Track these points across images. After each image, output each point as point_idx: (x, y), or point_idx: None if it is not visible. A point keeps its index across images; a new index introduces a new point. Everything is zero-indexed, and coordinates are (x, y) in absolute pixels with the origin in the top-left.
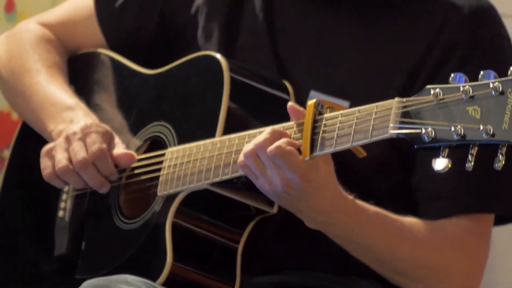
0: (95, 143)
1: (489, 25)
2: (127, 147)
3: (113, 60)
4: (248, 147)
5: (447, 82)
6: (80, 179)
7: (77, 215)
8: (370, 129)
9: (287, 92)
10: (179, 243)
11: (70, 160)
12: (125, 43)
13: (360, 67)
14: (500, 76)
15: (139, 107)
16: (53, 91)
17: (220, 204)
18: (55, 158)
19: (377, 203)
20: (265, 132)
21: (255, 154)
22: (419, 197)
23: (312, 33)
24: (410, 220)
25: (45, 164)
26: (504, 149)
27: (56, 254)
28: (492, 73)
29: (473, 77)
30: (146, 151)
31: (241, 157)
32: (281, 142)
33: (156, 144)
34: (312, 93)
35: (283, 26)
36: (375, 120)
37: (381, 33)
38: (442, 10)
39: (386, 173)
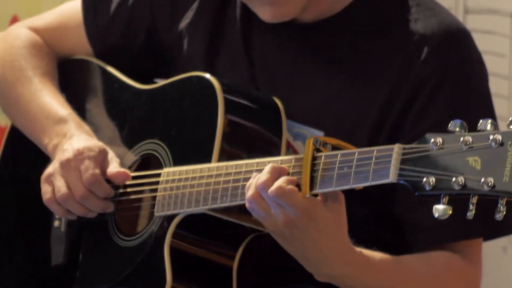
0: (88, 169)
1: (459, 51)
2: (121, 161)
3: (104, 71)
4: (250, 191)
5: (421, 115)
6: (83, 206)
7: (73, 226)
8: (370, 173)
9: (277, 109)
10: (177, 263)
11: (69, 187)
12: (113, 56)
13: (334, 97)
14: (484, 113)
15: (132, 121)
16: (46, 102)
17: (215, 225)
18: (55, 185)
19: (363, 229)
20: (265, 171)
21: (258, 196)
22: (404, 227)
23: (288, 62)
24: (408, 259)
25: (45, 190)
26: (505, 200)
27: (53, 264)
28: (489, 121)
29: (447, 110)
30: (141, 168)
31: (246, 203)
32: (281, 181)
33: (151, 161)
34: (288, 122)
35: (262, 53)
36: (375, 164)
37: (355, 66)
38: (412, 42)
39: (368, 202)
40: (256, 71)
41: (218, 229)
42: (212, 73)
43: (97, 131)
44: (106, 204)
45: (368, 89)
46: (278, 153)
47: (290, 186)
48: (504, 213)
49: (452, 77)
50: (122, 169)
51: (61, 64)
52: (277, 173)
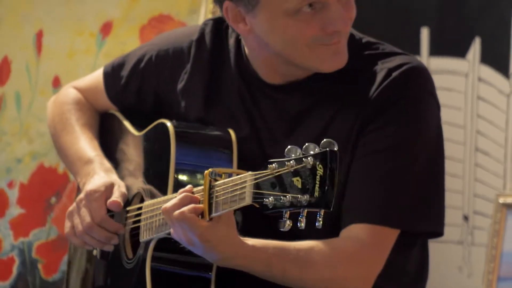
0: (96, 209)
1: (415, 83)
2: (131, 191)
3: (120, 122)
4: (163, 206)
5: (373, 146)
6: (93, 239)
7: (103, 254)
8: (237, 197)
9: (230, 140)
10: (158, 280)
11: (82, 225)
12: (132, 111)
13: (323, 135)
14: (321, 143)
15: (133, 161)
16: (81, 147)
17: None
18: (74, 222)
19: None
20: (176, 198)
21: (167, 217)
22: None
23: (281, 114)
24: (308, 245)
25: (66, 225)
26: (323, 212)
27: (96, 285)
28: (312, 146)
29: (389, 129)
30: (142, 199)
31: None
32: (186, 208)
33: (141, 196)
34: None
35: (258, 108)
36: (239, 190)
37: (335, 107)
38: (378, 75)
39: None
40: (257, 124)
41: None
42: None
43: (117, 168)
44: (109, 236)
45: (347, 119)
46: None
47: (191, 214)
48: (321, 222)
49: (404, 102)
50: (116, 199)
51: (104, 116)
52: (187, 199)
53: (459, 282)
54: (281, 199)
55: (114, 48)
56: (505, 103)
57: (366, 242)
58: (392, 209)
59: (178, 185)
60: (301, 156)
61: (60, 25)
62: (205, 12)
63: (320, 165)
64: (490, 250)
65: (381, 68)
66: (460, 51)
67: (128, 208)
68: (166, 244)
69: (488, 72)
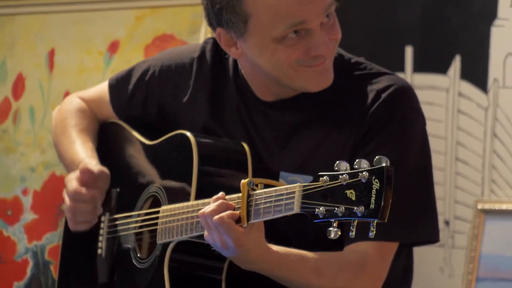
0: (70, 187)
1: (402, 102)
2: (139, 200)
3: (127, 132)
4: (201, 211)
5: (367, 148)
6: (81, 216)
7: (110, 254)
8: (283, 206)
9: (245, 152)
10: (175, 280)
11: (68, 210)
12: (136, 122)
13: (315, 150)
14: (374, 160)
15: (144, 168)
16: (76, 151)
17: (201, 247)
18: (67, 214)
19: (309, 244)
20: (214, 204)
21: (204, 221)
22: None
23: (276, 130)
24: (324, 256)
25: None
26: (375, 222)
27: (99, 282)
28: (364, 162)
29: (383, 149)
30: (153, 204)
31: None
32: (225, 214)
33: (156, 200)
34: (282, 173)
35: (254, 124)
36: (285, 200)
37: (329, 123)
38: (368, 96)
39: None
40: (253, 137)
41: (203, 251)
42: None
43: (124, 173)
44: (87, 207)
45: (339, 138)
46: None
47: (229, 220)
48: (374, 232)
49: (395, 121)
50: (88, 167)
51: (102, 125)
52: (224, 206)
53: (441, 282)
54: (334, 209)
55: (121, 65)
56: (483, 116)
57: (373, 257)
58: (394, 225)
59: (201, 191)
60: (356, 171)
61: (70, 44)
62: (205, 32)
63: (376, 180)
64: (470, 252)
65: (370, 90)
66: (441, 68)
67: (140, 212)
68: (184, 247)
69: (467, 88)
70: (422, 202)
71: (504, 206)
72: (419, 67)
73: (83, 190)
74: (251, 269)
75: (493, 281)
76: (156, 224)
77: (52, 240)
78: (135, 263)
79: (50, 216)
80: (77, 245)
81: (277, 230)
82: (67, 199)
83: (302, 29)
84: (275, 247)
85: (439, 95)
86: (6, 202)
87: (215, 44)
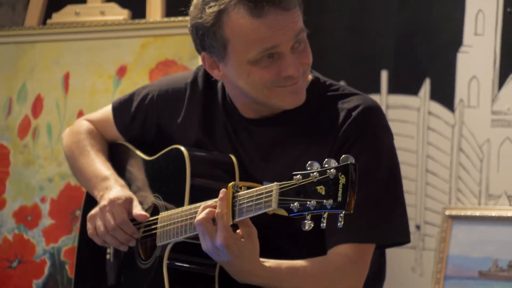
0: (118, 213)
1: (371, 119)
2: (142, 206)
3: (131, 151)
4: (196, 220)
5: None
6: (114, 238)
7: (117, 257)
8: (263, 204)
9: (232, 163)
10: (173, 277)
11: (105, 226)
12: (138, 141)
13: (294, 162)
14: (340, 159)
15: (146, 180)
16: (97, 167)
17: (195, 248)
18: (96, 224)
19: (307, 238)
20: (204, 212)
21: (197, 225)
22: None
23: (259, 145)
24: (310, 263)
25: (89, 227)
26: (343, 213)
27: (109, 284)
28: (332, 161)
29: (355, 156)
30: (154, 212)
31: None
32: (208, 217)
33: (156, 208)
34: (264, 182)
35: (240, 141)
36: (265, 198)
37: (306, 136)
38: (341, 114)
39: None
40: (238, 151)
41: (197, 251)
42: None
43: (130, 186)
44: (128, 238)
45: (315, 152)
46: None
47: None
48: (342, 222)
49: (365, 136)
50: (143, 213)
51: (111, 145)
52: (211, 212)
53: (412, 281)
54: (306, 203)
55: (128, 87)
56: (450, 133)
57: (354, 259)
58: (372, 228)
59: (193, 199)
60: (325, 168)
61: (83, 68)
62: None
63: (342, 175)
64: (438, 253)
65: (342, 108)
66: (413, 90)
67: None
68: (180, 247)
69: (436, 107)
70: (394, 207)
71: (468, 213)
72: (393, 89)
73: (130, 224)
74: (245, 281)
75: (460, 279)
76: (156, 229)
77: (67, 242)
78: (138, 264)
79: (65, 221)
80: (89, 250)
81: (270, 240)
82: (111, 218)
83: (274, 53)
84: (267, 262)
85: (411, 114)
86: (27, 209)
87: (206, 70)
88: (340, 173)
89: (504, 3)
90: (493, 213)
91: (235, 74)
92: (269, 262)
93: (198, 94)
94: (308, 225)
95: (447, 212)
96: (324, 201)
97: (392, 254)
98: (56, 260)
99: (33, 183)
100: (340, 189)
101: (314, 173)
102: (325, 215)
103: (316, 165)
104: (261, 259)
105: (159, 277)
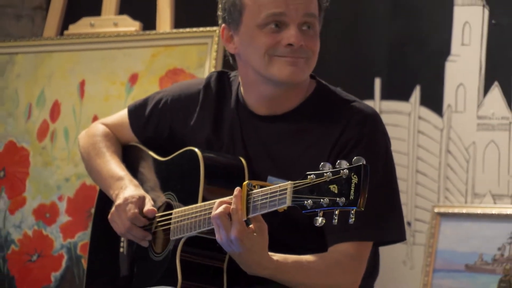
0: (130, 210)
1: (370, 125)
2: (155, 203)
3: (145, 152)
4: (212, 214)
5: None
6: (133, 236)
7: (130, 250)
8: (277, 201)
9: (242, 165)
10: (185, 268)
11: (123, 226)
12: (151, 142)
13: (296, 159)
14: (352, 160)
15: (159, 179)
16: (112, 167)
17: (206, 242)
18: (117, 224)
19: (302, 230)
20: (221, 207)
21: (213, 219)
22: (324, 231)
23: (267, 141)
24: (314, 258)
25: (114, 227)
26: (354, 211)
27: (121, 275)
28: (344, 162)
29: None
30: (168, 208)
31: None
32: (226, 212)
33: (169, 205)
34: (269, 177)
35: (250, 137)
36: (279, 195)
37: (309, 136)
38: (343, 119)
39: (308, 217)
40: (249, 148)
41: (208, 244)
42: (214, 150)
43: (142, 185)
44: (145, 233)
45: (318, 151)
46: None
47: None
48: (354, 219)
49: (364, 140)
50: (151, 208)
51: (125, 147)
52: (228, 208)
53: (403, 273)
54: (320, 201)
55: (140, 94)
56: (439, 136)
57: (354, 256)
58: (371, 227)
59: (206, 196)
60: (338, 169)
61: (98, 76)
62: (209, 66)
63: (355, 175)
64: (427, 248)
65: (344, 114)
66: (404, 96)
67: (156, 215)
68: (192, 242)
69: (426, 112)
70: (391, 208)
71: (456, 210)
72: (386, 95)
73: (142, 218)
74: (253, 273)
75: (447, 272)
76: (169, 224)
77: (83, 238)
78: (151, 257)
79: (81, 218)
80: (102, 244)
81: (278, 238)
82: (125, 219)
83: (281, 22)
84: (275, 256)
85: (403, 118)
86: (45, 206)
87: (218, 75)
88: (352, 173)
89: (489, 16)
90: (479, 211)
91: (244, 41)
92: (276, 256)
93: (212, 96)
94: (320, 221)
95: (436, 210)
96: (337, 199)
97: (385, 249)
98: (73, 254)
99: (51, 183)
100: (353, 188)
101: (328, 173)
102: (337, 212)
103: (328, 166)
104: (270, 253)
105: (172, 268)
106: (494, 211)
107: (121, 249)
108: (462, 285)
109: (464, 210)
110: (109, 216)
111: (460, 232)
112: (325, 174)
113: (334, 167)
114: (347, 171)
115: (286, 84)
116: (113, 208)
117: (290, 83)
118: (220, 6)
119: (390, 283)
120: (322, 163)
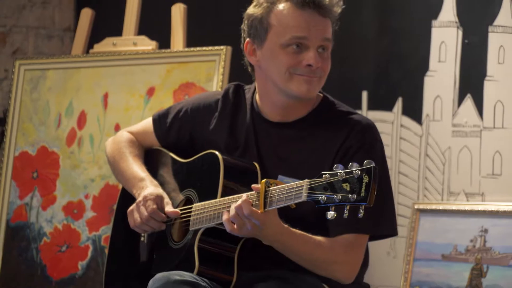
0: (149, 206)
1: (369, 134)
2: (175, 201)
3: (167, 154)
4: (231, 212)
5: (347, 162)
6: (149, 226)
7: (150, 240)
8: (293, 196)
9: (256, 169)
10: (202, 255)
11: (141, 217)
12: (173, 146)
13: (304, 161)
14: (363, 163)
15: (180, 179)
16: (135, 170)
17: (221, 233)
18: (134, 217)
19: (308, 226)
20: (240, 200)
21: (235, 214)
22: (328, 224)
23: (277, 146)
24: (319, 238)
25: (129, 220)
26: (363, 206)
27: (141, 261)
28: (355, 164)
29: (355, 162)
30: (187, 203)
31: (231, 215)
32: (245, 205)
33: (189, 200)
34: (280, 176)
35: (263, 143)
36: (296, 192)
37: (316, 141)
38: (346, 128)
39: (314, 213)
40: (262, 150)
41: (223, 235)
42: (230, 154)
43: (164, 184)
44: (160, 225)
45: (323, 154)
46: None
47: (250, 208)
48: (363, 213)
49: (364, 147)
50: (175, 210)
51: (147, 151)
52: (250, 202)
53: (387, 262)
54: (333, 197)
55: (156, 105)
56: (418, 142)
57: (354, 245)
58: (369, 221)
59: (225, 192)
60: (351, 169)
61: (119, 89)
62: (217, 81)
63: (366, 175)
64: (408, 240)
65: (346, 123)
66: (388, 107)
67: (178, 209)
68: (209, 232)
69: (407, 121)
70: (386, 206)
71: (433, 207)
72: (372, 106)
73: (160, 213)
74: (271, 242)
75: (426, 261)
76: (189, 216)
77: (107, 231)
78: (170, 245)
79: (105, 214)
80: (123, 235)
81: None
82: (144, 211)
83: (303, 44)
84: (286, 225)
85: (387, 126)
86: (73, 204)
87: (235, 87)
88: (364, 174)
89: (462, 36)
90: (453, 207)
91: (267, 57)
92: (287, 226)
93: (229, 105)
94: (331, 215)
95: (416, 206)
96: (349, 195)
97: (372, 241)
98: (98, 245)
99: (78, 183)
100: (364, 186)
101: (341, 173)
102: (347, 207)
103: (341, 167)
104: (283, 224)
105: (190, 255)
106: (467, 207)
107: (142, 238)
108: (439, 272)
109: (440, 207)
110: (128, 211)
111: (437, 226)
112: (338, 173)
113: (346, 167)
114: (359, 171)
115: (300, 98)
116: (133, 205)
117: (305, 98)
118: (246, 21)
119: (376, 271)
120: (336, 165)
